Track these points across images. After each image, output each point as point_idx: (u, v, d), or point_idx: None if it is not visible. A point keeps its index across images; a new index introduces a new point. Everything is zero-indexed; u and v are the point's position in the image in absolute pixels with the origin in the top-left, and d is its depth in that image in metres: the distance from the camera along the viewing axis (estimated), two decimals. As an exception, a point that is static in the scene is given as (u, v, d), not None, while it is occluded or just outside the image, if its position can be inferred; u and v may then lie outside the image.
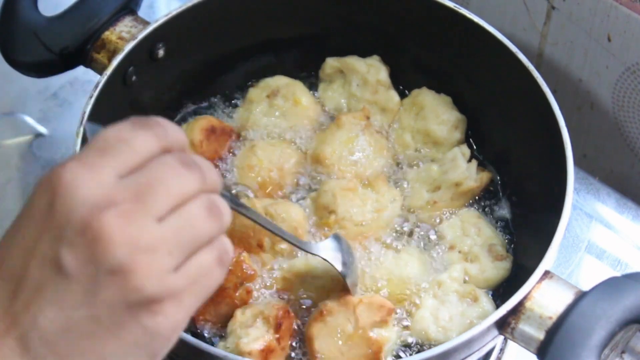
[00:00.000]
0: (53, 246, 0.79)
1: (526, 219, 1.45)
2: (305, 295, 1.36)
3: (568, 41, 1.73)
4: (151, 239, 0.79)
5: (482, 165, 1.51)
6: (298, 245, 1.28)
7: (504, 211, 1.49)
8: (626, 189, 1.76)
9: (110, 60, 1.39)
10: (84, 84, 1.78)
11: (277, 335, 1.26)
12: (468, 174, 1.45)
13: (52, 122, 1.75)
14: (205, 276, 0.83)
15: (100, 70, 1.42)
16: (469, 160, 1.47)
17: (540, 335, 1.18)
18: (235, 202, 1.11)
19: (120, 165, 0.81)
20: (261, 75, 1.59)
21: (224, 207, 0.86)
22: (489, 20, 1.45)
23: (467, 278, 1.39)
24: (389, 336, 1.31)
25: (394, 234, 1.44)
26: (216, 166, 1.49)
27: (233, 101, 1.61)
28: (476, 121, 1.55)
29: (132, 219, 0.78)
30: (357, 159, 1.49)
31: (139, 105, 1.48)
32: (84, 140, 1.30)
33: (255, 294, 1.34)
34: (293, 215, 1.39)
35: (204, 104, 1.60)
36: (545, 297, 1.20)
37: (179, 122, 1.56)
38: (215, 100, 1.61)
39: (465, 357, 1.22)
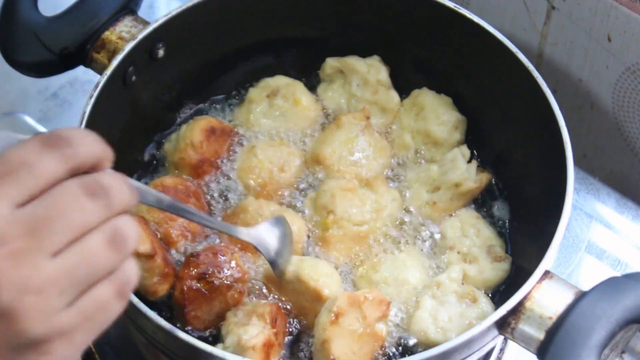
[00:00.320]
0: None
1: (526, 219, 1.45)
2: (283, 299, 1.36)
3: (568, 41, 1.73)
4: (41, 279, 0.76)
5: (481, 166, 1.51)
6: (229, 232, 1.26)
7: (503, 211, 1.49)
8: (626, 189, 1.76)
9: (110, 60, 1.39)
10: (84, 84, 1.78)
11: (274, 330, 1.27)
12: (468, 174, 1.45)
13: (52, 122, 1.75)
14: (100, 311, 0.81)
15: (100, 70, 1.42)
16: (469, 161, 1.48)
17: (540, 335, 1.18)
18: (162, 204, 1.06)
19: (19, 193, 0.78)
20: (261, 75, 1.59)
21: (130, 231, 0.82)
22: (489, 20, 1.45)
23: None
24: (387, 329, 1.32)
25: (393, 235, 1.44)
26: (216, 167, 1.49)
27: (233, 101, 1.61)
28: (476, 121, 1.55)
29: (23, 259, 0.76)
30: (356, 159, 1.49)
31: (139, 105, 1.48)
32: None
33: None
34: (295, 228, 1.38)
35: (204, 104, 1.60)
36: (545, 297, 1.20)
37: (179, 122, 1.56)
38: (215, 100, 1.61)
39: (465, 357, 1.22)
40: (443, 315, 1.33)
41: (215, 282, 1.32)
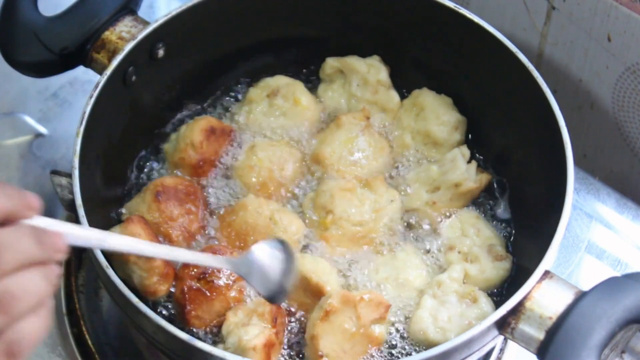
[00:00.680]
0: None
1: (526, 219, 1.45)
2: None
3: (568, 41, 1.73)
4: None
5: (481, 166, 1.51)
6: (220, 266, 1.27)
7: (503, 211, 1.49)
8: (626, 189, 1.76)
9: (110, 60, 1.39)
10: (84, 84, 1.78)
11: (275, 330, 1.27)
12: (468, 175, 1.45)
13: (52, 122, 1.75)
14: None
15: (100, 70, 1.42)
16: (469, 161, 1.48)
17: (540, 335, 1.18)
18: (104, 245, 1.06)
19: None
20: (261, 75, 1.59)
21: (24, 343, 0.81)
22: (489, 20, 1.45)
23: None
24: (386, 332, 1.32)
25: (393, 235, 1.44)
26: (216, 167, 1.49)
27: (233, 101, 1.61)
28: (476, 122, 1.55)
29: None
30: (356, 159, 1.49)
31: (139, 105, 1.48)
32: (84, 141, 1.30)
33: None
34: (294, 228, 1.39)
35: (204, 104, 1.60)
36: (545, 297, 1.20)
37: (179, 122, 1.56)
38: (215, 100, 1.61)
39: (465, 357, 1.22)
40: (443, 315, 1.33)
41: (215, 281, 1.32)
